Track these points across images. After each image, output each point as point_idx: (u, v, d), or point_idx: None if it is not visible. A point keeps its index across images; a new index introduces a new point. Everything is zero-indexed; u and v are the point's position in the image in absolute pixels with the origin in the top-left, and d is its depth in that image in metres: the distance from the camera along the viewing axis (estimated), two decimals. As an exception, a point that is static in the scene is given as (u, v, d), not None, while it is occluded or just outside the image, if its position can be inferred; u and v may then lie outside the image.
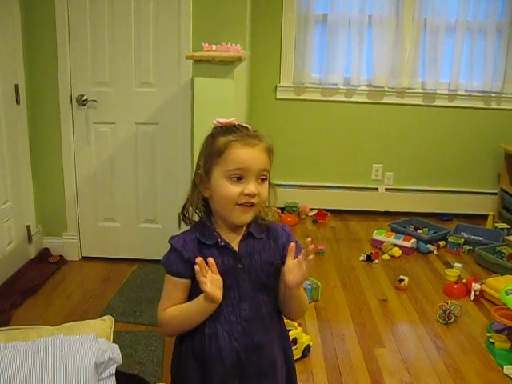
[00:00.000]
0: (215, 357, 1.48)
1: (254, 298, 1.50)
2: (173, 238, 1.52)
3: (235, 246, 1.50)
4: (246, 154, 1.43)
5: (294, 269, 1.43)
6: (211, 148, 1.47)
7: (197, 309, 1.46)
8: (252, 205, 1.45)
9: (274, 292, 1.55)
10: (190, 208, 1.53)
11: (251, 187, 1.43)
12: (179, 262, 1.47)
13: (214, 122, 1.51)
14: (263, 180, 1.47)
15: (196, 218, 1.55)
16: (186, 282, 1.48)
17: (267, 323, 1.54)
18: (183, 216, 1.56)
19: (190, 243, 1.48)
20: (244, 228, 1.52)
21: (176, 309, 1.49)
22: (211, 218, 1.52)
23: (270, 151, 1.49)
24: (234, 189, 1.43)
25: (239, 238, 1.52)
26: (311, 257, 1.41)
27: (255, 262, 1.50)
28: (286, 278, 1.44)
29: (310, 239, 1.41)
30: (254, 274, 1.50)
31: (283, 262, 1.50)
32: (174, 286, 1.49)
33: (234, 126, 1.49)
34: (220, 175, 1.44)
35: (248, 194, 1.43)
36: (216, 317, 1.48)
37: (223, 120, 1.49)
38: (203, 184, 1.49)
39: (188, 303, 1.48)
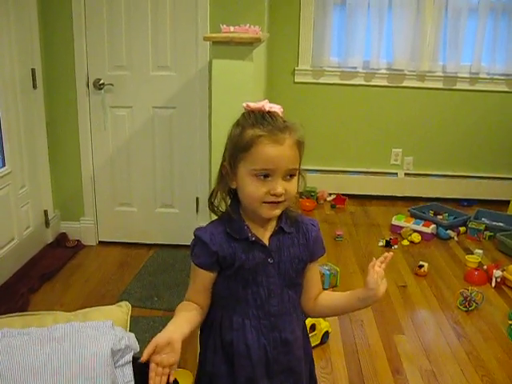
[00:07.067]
0: (243, 352, 1.45)
1: (283, 294, 1.46)
2: (199, 229, 1.46)
3: (265, 240, 1.45)
4: (273, 153, 1.34)
5: (376, 283, 1.40)
6: (238, 141, 1.38)
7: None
8: (279, 202, 1.38)
9: (300, 289, 1.53)
10: (218, 197, 1.47)
11: (278, 188, 1.35)
12: (205, 254, 1.42)
13: (244, 105, 1.41)
14: (292, 176, 1.39)
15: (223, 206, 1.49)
16: (212, 274, 1.45)
17: (294, 320, 1.52)
18: (210, 204, 1.49)
19: (218, 236, 1.43)
20: (274, 221, 1.47)
21: (181, 309, 1.47)
22: (239, 209, 1.46)
23: (300, 144, 1.41)
24: (259, 188, 1.36)
25: (269, 232, 1.46)
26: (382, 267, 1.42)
27: (285, 258, 1.46)
28: (375, 292, 1.41)
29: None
30: (283, 269, 1.46)
31: (311, 259, 1.51)
32: (199, 277, 1.46)
33: (263, 114, 1.38)
34: (246, 172, 1.37)
35: (274, 194, 1.36)
36: (244, 312, 1.45)
37: (253, 104, 1.40)
38: (229, 176, 1.42)
39: (178, 318, 1.43)
